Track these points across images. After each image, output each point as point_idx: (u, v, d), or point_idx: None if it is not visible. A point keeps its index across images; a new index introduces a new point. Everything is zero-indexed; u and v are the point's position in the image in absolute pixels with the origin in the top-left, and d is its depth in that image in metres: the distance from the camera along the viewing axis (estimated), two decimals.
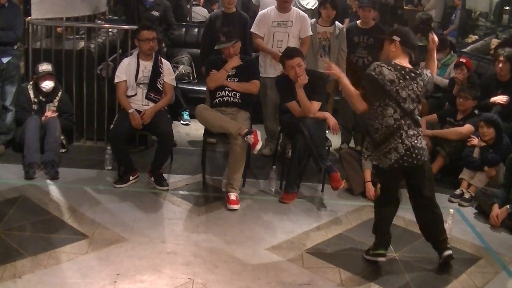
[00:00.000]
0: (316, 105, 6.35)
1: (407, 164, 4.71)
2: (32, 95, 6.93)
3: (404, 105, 4.58)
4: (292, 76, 6.26)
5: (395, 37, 4.70)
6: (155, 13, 8.11)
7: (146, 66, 6.53)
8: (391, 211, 5.14)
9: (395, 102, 4.56)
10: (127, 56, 6.92)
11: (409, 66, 4.69)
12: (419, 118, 4.81)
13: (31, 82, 7.01)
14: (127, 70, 6.50)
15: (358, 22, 7.79)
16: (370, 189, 6.43)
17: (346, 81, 4.96)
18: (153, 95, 6.50)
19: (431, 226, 5.10)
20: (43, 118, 6.81)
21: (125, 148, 6.39)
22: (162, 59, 6.73)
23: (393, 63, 4.61)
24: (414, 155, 4.69)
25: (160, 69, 6.58)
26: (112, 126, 6.35)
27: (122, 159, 6.39)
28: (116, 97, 6.73)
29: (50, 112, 6.88)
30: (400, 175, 4.93)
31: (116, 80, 6.53)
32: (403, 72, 4.57)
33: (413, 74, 4.63)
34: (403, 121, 4.63)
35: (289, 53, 6.33)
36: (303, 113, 6.28)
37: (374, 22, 7.77)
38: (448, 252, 5.04)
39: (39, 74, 6.84)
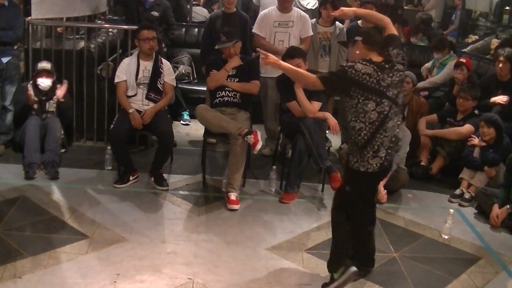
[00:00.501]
0: (317, 105, 6.35)
1: (390, 158, 4.51)
2: (32, 94, 6.91)
3: (388, 92, 4.41)
4: None
5: (357, 38, 4.56)
6: (155, 14, 8.09)
7: (146, 66, 6.53)
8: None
9: (377, 93, 4.36)
10: (127, 56, 6.91)
11: (380, 58, 4.50)
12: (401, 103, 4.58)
13: (30, 81, 6.99)
14: (127, 70, 6.50)
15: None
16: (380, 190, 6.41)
17: (285, 64, 4.86)
18: (153, 95, 6.50)
19: None
20: (58, 94, 6.89)
21: (125, 148, 6.39)
22: (163, 59, 6.73)
23: (367, 58, 4.51)
24: (394, 146, 4.51)
25: (160, 69, 6.58)
26: (112, 126, 6.35)
27: (122, 159, 6.39)
28: (116, 97, 6.73)
29: (60, 91, 6.93)
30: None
31: (116, 80, 6.53)
32: (379, 65, 4.40)
33: (389, 63, 4.44)
34: (392, 110, 4.42)
35: (291, 53, 6.34)
36: (304, 113, 6.28)
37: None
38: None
39: (36, 71, 6.83)
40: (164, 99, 6.58)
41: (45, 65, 6.87)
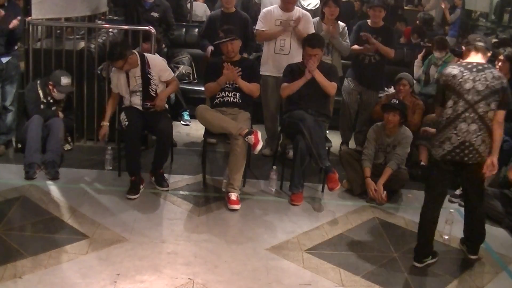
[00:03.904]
0: (335, 86, 6.63)
1: (458, 158, 4.86)
2: (41, 95, 6.89)
3: (467, 96, 4.76)
4: (307, 60, 6.48)
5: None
6: (155, 14, 8.08)
7: (135, 73, 6.39)
8: (433, 214, 5.15)
9: (456, 94, 4.78)
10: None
11: (478, 61, 4.90)
12: (488, 117, 4.83)
13: (38, 82, 6.95)
14: (118, 84, 6.45)
15: (369, 20, 7.79)
16: (370, 183, 6.43)
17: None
18: (149, 104, 6.42)
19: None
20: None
21: (139, 146, 6.35)
22: (149, 60, 6.49)
23: (459, 62, 4.83)
24: (466, 151, 4.83)
25: (148, 75, 6.40)
26: (126, 124, 6.18)
27: (134, 161, 6.23)
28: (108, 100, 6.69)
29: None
30: (449, 172, 5.00)
31: (112, 90, 6.59)
32: (469, 66, 4.82)
33: (480, 67, 4.82)
34: (467, 114, 4.79)
35: (312, 42, 6.53)
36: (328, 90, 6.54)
37: (383, 22, 7.77)
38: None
39: (60, 88, 6.83)
40: (171, 86, 6.57)
41: (66, 82, 6.87)
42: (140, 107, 6.42)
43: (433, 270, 5.09)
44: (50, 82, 6.89)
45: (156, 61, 6.61)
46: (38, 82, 6.98)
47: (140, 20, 7.88)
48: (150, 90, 6.42)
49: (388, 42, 7.62)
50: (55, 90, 6.85)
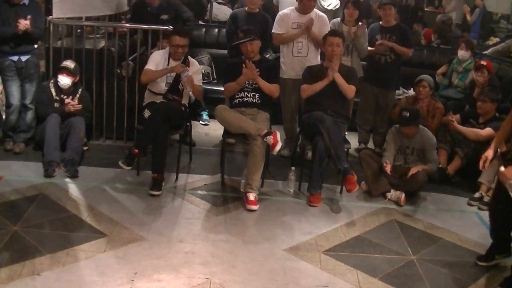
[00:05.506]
0: (354, 88, 6.63)
1: None
2: (54, 93, 6.94)
3: None
4: (329, 53, 6.54)
5: None
6: (164, 17, 7.84)
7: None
8: None
9: None
10: (149, 54, 6.93)
11: None
12: None
13: (52, 80, 7.02)
14: (157, 65, 6.52)
15: (381, 22, 7.78)
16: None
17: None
18: (170, 95, 6.48)
19: None
20: (66, 101, 6.83)
21: (165, 143, 6.32)
22: (191, 60, 6.69)
23: None
24: None
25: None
26: (147, 114, 6.25)
27: (160, 156, 6.21)
28: (143, 80, 6.60)
29: (70, 100, 6.88)
30: None
31: (146, 67, 6.56)
32: None
33: None
34: None
35: (334, 32, 6.74)
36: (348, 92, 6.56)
37: (395, 22, 7.75)
38: None
39: (59, 67, 6.88)
40: (197, 87, 6.59)
41: (68, 63, 6.89)
42: (161, 100, 6.46)
43: (451, 273, 5.06)
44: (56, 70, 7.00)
45: (195, 63, 6.80)
46: (52, 81, 7.01)
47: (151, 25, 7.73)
48: (180, 86, 6.52)
49: (404, 41, 7.60)
50: (57, 74, 6.90)
